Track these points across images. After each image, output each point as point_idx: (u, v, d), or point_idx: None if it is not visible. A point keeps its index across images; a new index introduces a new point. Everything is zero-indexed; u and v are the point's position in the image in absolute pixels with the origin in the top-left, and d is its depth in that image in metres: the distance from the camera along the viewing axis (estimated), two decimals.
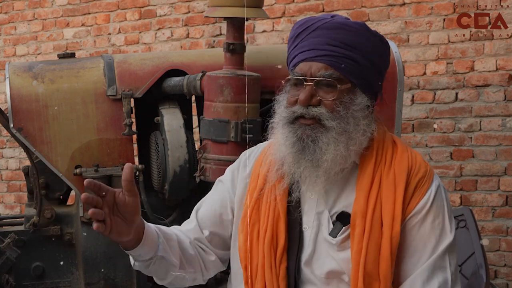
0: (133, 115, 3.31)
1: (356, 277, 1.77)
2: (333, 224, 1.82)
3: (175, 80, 3.30)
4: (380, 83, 1.89)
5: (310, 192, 1.86)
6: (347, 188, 1.84)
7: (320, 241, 1.84)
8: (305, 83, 1.79)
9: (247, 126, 3.04)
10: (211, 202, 2.00)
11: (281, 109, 1.85)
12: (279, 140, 1.84)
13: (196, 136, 3.65)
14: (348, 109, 1.79)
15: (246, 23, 3.17)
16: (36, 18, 6.09)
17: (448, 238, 1.81)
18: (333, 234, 1.81)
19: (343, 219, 1.82)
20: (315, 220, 1.85)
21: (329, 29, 1.81)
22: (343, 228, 1.81)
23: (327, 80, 1.78)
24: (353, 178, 1.84)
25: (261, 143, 2.04)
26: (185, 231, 1.98)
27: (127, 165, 1.73)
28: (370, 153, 1.83)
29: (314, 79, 1.78)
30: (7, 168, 6.18)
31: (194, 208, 2.04)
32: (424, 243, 1.79)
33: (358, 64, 1.80)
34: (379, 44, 1.85)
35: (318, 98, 1.78)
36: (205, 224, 1.98)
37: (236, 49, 3.09)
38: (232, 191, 1.97)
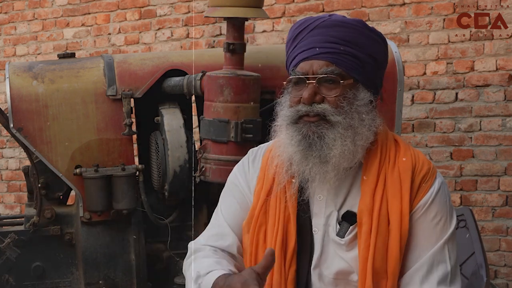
0: (133, 115, 3.31)
1: (364, 275, 1.77)
2: (339, 224, 1.82)
3: (175, 80, 3.30)
4: (381, 79, 1.89)
5: (319, 193, 1.86)
6: (354, 188, 1.85)
7: (328, 242, 1.84)
8: (307, 81, 1.79)
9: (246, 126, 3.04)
10: (235, 209, 1.95)
11: (285, 110, 1.84)
12: (284, 140, 1.83)
13: (196, 136, 3.65)
14: (352, 105, 1.79)
15: (246, 23, 3.17)
16: (36, 18, 6.09)
17: (448, 233, 1.82)
18: (341, 234, 1.82)
19: (349, 218, 1.82)
20: (324, 221, 1.84)
21: (328, 27, 1.82)
22: (350, 227, 1.81)
23: (329, 77, 1.78)
24: (359, 177, 1.84)
25: (263, 144, 2.03)
26: (231, 250, 1.91)
27: (270, 251, 1.68)
28: (375, 152, 1.84)
29: (317, 77, 1.79)
30: (7, 168, 6.18)
31: (222, 219, 1.96)
32: (425, 237, 1.80)
33: (358, 59, 1.81)
34: (378, 40, 1.86)
35: (321, 95, 1.79)
36: (240, 233, 1.93)
37: (236, 49, 3.08)
38: (251, 194, 1.94)
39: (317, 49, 1.80)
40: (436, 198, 1.82)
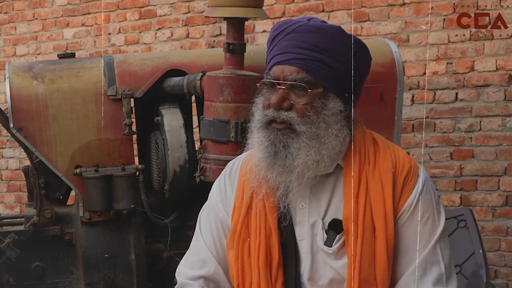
0: (133, 115, 3.31)
1: (351, 284, 1.75)
2: (327, 233, 1.80)
3: (175, 80, 3.29)
4: (360, 87, 1.86)
5: (300, 202, 1.83)
6: (336, 194, 1.82)
7: (317, 252, 1.82)
8: (277, 86, 1.78)
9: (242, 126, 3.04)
10: (214, 233, 1.94)
11: (257, 113, 1.84)
12: (254, 144, 1.83)
13: (196, 136, 3.65)
14: (319, 114, 1.77)
15: (246, 23, 3.17)
16: (36, 18, 6.09)
17: (438, 231, 1.79)
18: (328, 243, 1.80)
19: (335, 226, 1.80)
20: (309, 230, 1.82)
21: (303, 32, 1.79)
22: (337, 236, 1.79)
23: (298, 84, 1.77)
24: (340, 182, 1.82)
25: (240, 155, 2.01)
26: (217, 277, 1.92)
27: None
28: (354, 155, 1.81)
29: (286, 83, 1.77)
30: (7, 168, 6.18)
31: (203, 243, 1.96)
32: (415, 239, 1.78)
33: (330, 67, 1.78)
34: (355, 47, 1.82)
35: (290, 102, 1.77)
36: (221, 257, 1.93)
37: (236, 49, 3.08)
38: (228, 216, 1.93)
39: (289, 54, 1.78)
40: (421, 197, 1.79)
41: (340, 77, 1.79)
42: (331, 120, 1.78)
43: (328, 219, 1.82)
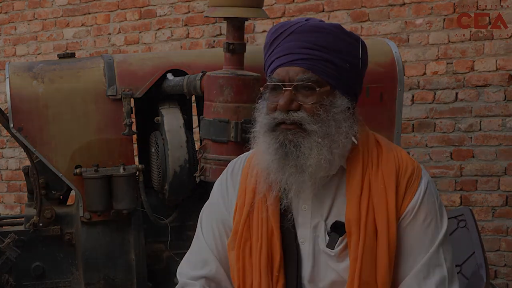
0: (133, 115, 3.31)
1: (351, 287, 1.74)
2: (329, 235, 1.80)
3: (175, 80, 3.29)
4: (360, 84, 1.87)
5: (303, 204, 1.83)
6: (339, 196, 1.81)
7: (319, 254, 1.81)
8: (283, 88, 1.77)
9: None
10: (216, 233, 1.93)
11: (262, 117, 1.82)
12: (262, 148, 1.81)
13: (196, 136, 3.65)
14: (328, 112, 1.76)
15: (246, 23, 3.17)
16: (36, 18, 6.09)
17: (441, 234, 1.79)
18: (331, 246, 1.79)
19: (338, 229, 1.79)
20: (311, 232, 1.82)
21: (304, 32, 1.79)
22: (340, 238, 1.79)
23: (305, 84, 1.76)
24: (343, 184, 1.81)
25: (242, 154, 2.00)
26: (218, 277, 1.91)
27: None
28: (356, 157, 1.80)
29: (293, 84, 1.76)
30: (7, 168, 6.18)
31: (204, 243, 1.94)
32: (418, 242, 1.77)
33: (335, 65, 1.78)
34: (356, 44, 1.83)
35: (298, 102, 1.76)
36: (222, 258, 1.92)
37: (236, 49, 3.08)
38: (230, 217, 1.92)
39: (293, 55, 1.77)
40: (424, 199, 1.78)
41: (345, 74, 1.79)
42: (340, 117, 1.78)
43: (330, 221, 1.81)
